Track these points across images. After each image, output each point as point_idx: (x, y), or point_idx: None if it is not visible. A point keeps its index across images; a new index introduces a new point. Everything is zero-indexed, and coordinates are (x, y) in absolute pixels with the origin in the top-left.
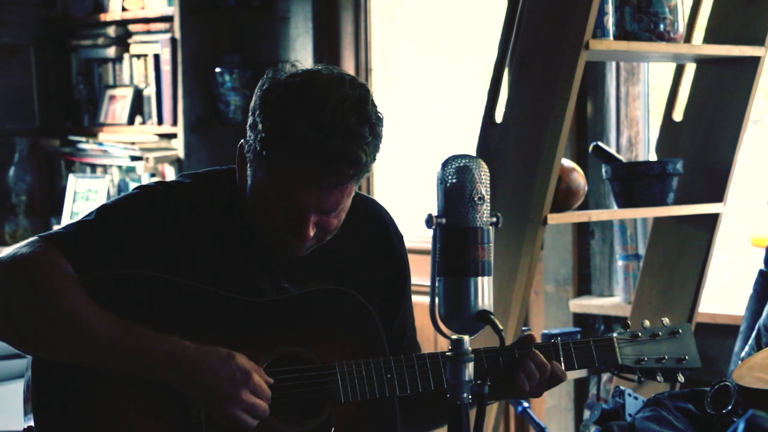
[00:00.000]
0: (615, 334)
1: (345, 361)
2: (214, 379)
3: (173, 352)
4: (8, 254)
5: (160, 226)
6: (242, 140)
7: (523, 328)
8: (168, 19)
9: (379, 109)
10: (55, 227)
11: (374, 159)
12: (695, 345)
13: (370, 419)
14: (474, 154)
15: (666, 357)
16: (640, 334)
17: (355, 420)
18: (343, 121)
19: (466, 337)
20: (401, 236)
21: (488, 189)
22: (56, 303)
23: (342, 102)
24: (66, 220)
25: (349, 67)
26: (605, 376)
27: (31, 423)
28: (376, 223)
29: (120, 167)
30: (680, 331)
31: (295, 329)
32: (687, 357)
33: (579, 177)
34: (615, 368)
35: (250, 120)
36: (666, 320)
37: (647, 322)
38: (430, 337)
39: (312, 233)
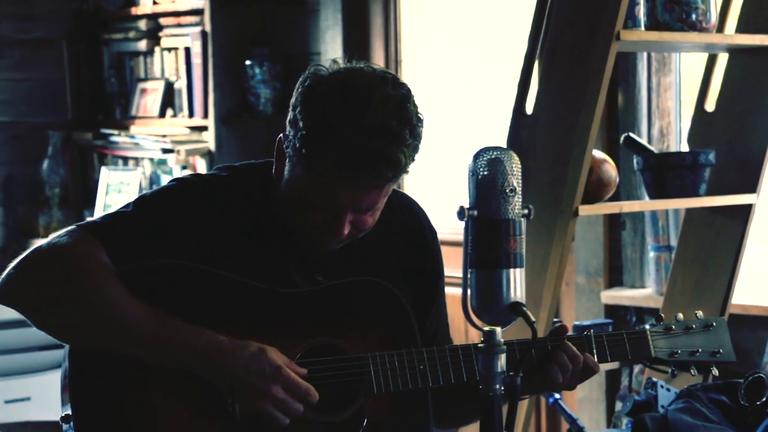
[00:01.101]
0: (648, 327)
1: (378, 352)
2: (244, 373)
3: (208, 345)
4: (47, 242)
5: (196, 218)
6: (281, 134)
7: (554, 320)
8: (198, 12)
9: (419, 110)
10: (90, 219)
11: (413, 160)
12: (730, 339)
13: (403, 410)
14: (504, 145)
15: (700, 350)
16: (673, 326)
17: (388, 411)
18: (384, 122)
19: (498, 329)
20: (435, 232)
21: (520, 181)
22: (93, 294)
23: (384, 103)
24: (99, 212)
25: (378, 59)
26: (637, 368)
27: (69, 411)
28: (410, 220)
29: (152, 160)
30: (714, 324)
31: (329, 320)
32: (721, 351)
33: (610, 168)
34: (648, 361)
35: (290, 116)
36: (700, 313)
37: (681, 315)
38: (461, 329)
39: (347, 231)
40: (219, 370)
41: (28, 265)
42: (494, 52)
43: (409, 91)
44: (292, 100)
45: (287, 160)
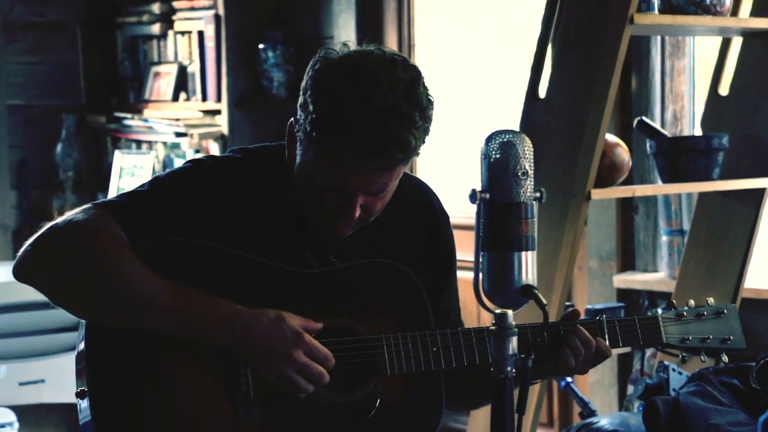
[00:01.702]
0: (660, 312)
1: (392, 333)
2: (266, 339)
3: (226, 315)
4: (64, 220)
5: (210, 198)
6: (292, 118)
7: (567, 304)
8: None
9: (429, 92)
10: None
11: (424, 142)
12: (740, 326)
13: (416, 392)
14: (517, 129)
15: (711, 337)
16: (685, 313)
17: (401, 392)
18: (394, 105)
19: (510, 312)
20: (447, 217)
21: (532, 164)
22: (111, 269)
23: (394, 85)
24: (112, 196)
25: (391, 42)
26: (649, 351)
27: (84, 387)
28: (423, 204)
29: (165, 143)
30: (725, 311)
31: (343, 301)
32: (732, 338)
33: (623, 152)
34: (659, 346)
35: (301, 99)
36: (711, 300)
37: (692, 302)
38: (473, 312)
39: (358, 214)
40: (240, 339)
41: (45, 242)
42: (508, 35)
43: (419, 73)
44: (303, 83)
45: (298, 143)
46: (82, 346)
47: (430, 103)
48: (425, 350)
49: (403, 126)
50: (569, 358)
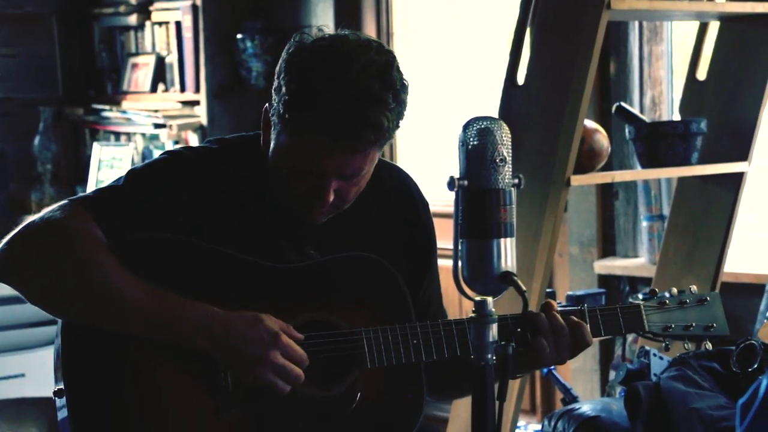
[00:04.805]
0: (641, 299)
1: (371, 327)
2: (242, 342)
3: (203, 318)
4: (39, 217)
5: (187, 191)
6: (267, 104)
7: (548, 290)
8: None
9: (404, 76)
10: (82, 194)
11: (397, 126)
12: (723, 313)
13: (398, 384)
14: (496, 116)
15: (694, 325)
16: (667, 301)
17: (381, 385)
18: (367, 86)
19: (490, 299)
20: (426, 204)
21: (510, 150)
22: (88, 269)
23: (367, 68)
24: (91, 188)
25: (370, 31)
26: (631, 337)
27: (62, 386)
28: (401, 192)
29: (144, 135)
30: (708, 299)
31: (321, 296)
32: (715, 325)
33: (602, 138)
34: (642, 333)
35: (275, 83)
36: (694, 287)
37: (675, 290)
38: (455, 300)
39: (331, 199)
40: (217, 342)
41: (20, 240)
42: (487, 23)
43: (394, 57)
44: (277, 67)
45: (272, 128)
46: (59, 339)
47: (405, 87)
48: (405, 343)
49: (376, 108)
50: (543, 345)
